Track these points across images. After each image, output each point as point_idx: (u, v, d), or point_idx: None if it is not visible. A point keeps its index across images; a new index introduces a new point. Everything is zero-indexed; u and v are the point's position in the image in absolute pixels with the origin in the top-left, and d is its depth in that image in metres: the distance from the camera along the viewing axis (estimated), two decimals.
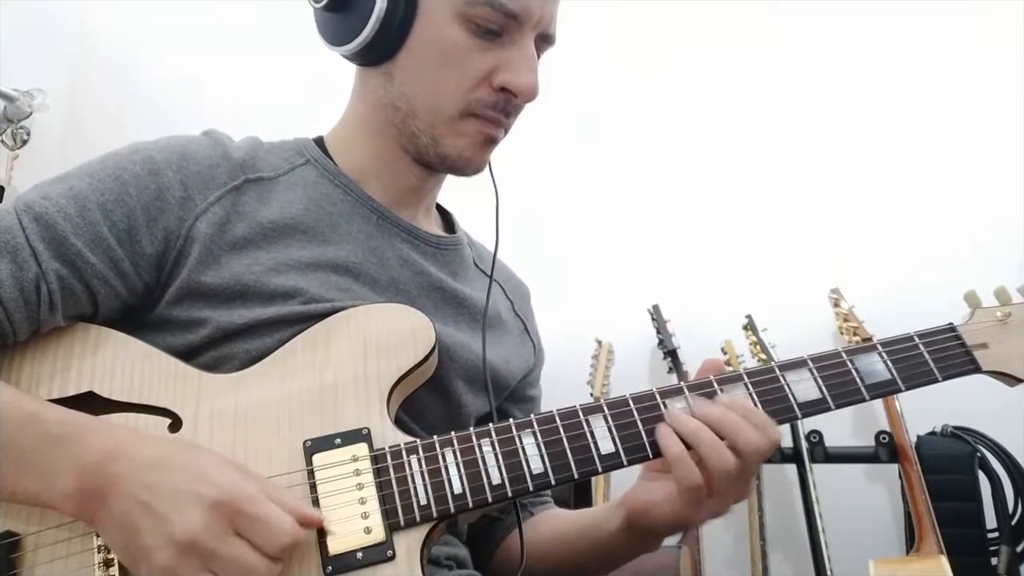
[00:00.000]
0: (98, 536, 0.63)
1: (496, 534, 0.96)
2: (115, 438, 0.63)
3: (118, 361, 0.71)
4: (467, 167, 0.84)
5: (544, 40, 0.83)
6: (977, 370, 0.75)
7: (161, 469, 0.61)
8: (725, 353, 1.89)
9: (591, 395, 1.89)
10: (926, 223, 1.95)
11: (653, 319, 2.01)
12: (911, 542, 1.50)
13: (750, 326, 1.86)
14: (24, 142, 2.05)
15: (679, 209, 2.13)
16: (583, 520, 0.86)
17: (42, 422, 0.63)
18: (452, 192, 0.98)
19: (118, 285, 0.73)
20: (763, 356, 1.78)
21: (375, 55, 0.81)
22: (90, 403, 0.68)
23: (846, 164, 2.04)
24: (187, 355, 0.74)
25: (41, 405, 0.66)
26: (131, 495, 0.59)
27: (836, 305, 1.84)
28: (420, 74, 0.80)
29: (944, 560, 1.39)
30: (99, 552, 0.63)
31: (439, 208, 1.01)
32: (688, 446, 0.68)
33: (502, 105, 0.80)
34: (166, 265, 0.75)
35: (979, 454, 1.62)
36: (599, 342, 2.04)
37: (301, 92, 2.03)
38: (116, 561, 0.62)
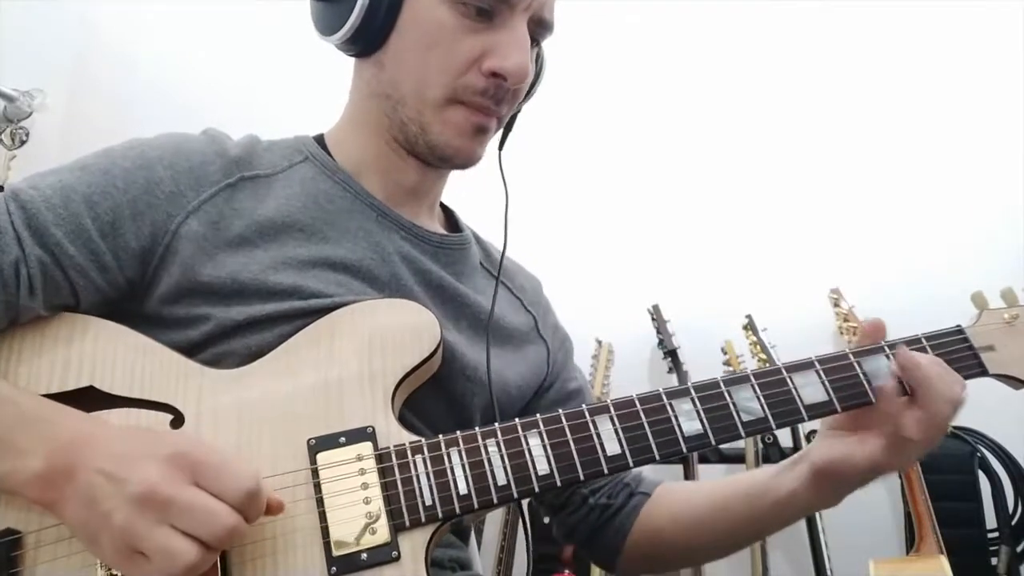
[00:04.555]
0: None
1: (615, 527, 0.93)
2: (86, 423, 0.63)
3: (119, 354, 0.70)
4: (456, 156, 0.82)
5: (540, 25, 0.81)
6: (984, 373, 0.73)
7: (125, 439, 0.61)
8: (725, 353, 1.89)
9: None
10: (926, 223, 1.96)
11: (653, 319, 2.01)
12: (911, 542, 1.51)
13: (750, 326, 1.86)
14: (23, 142, 2.05)
15: (679, 209, 2.14)
16: (741, 487, 0.84)
17: (16, 405, 0.63)
18: (454, 191, 0.98)
19: (98, 278, 0.72)
20: (763, 356, 1.78)
21: (365, 43, 0.80)
22: (90, 398, 0.67)
23: (846, 164, 2.04)
24: (187, 351, 0.73)
25: (16, 391, 0.65)
26: (95, 467, 0.58)
27: (836, 305, 1.84)
28: (407, 57, 0.78)
29: (944, 560, 1.39)
30: None
31: (443, 206, 1.00)
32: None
33: (492, 91, 0.78)
34: (152, 260, 0.74)
35: (979, 454, 1.63)
36: (599, 342, 2.04)
37: (305, 91, 2.02)
38: None
